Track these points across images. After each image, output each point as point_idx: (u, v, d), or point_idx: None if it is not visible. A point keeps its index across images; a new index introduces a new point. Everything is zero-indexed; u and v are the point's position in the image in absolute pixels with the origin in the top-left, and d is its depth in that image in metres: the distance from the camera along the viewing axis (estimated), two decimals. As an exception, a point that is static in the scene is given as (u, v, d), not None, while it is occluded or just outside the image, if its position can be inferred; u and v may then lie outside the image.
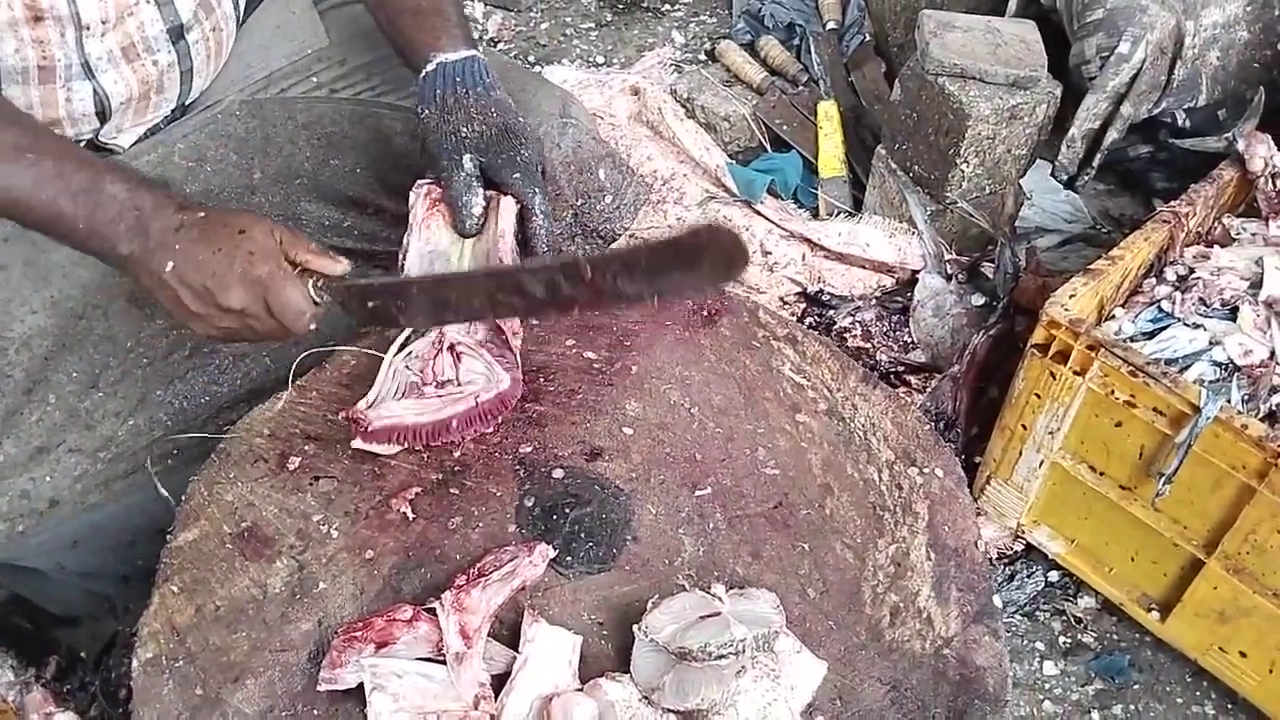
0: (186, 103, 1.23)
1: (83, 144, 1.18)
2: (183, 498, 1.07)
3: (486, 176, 1.09)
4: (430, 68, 1.11)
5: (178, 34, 1.14)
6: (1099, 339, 1.41)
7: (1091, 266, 1.52)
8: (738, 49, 2.45)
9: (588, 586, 0.99)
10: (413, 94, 1.22)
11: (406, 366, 1.10)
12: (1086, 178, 1.85)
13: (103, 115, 1.15)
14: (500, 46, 2.69)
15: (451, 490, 1.07)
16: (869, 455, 1.14)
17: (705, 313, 1.29)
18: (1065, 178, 1.85)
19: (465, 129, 1.08)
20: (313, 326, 1.01)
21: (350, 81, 1.28)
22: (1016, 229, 2.00)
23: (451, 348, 1.09)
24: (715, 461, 1.11)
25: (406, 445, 1.09)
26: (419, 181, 1.12)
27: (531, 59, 2.65)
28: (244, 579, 1.00)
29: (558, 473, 1.09)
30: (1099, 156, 1.81)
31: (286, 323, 0.98)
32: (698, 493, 1.08)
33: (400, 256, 1.11)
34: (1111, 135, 1.79)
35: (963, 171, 1.89)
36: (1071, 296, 1.46)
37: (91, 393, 1.17)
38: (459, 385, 1.09)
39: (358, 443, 1.06)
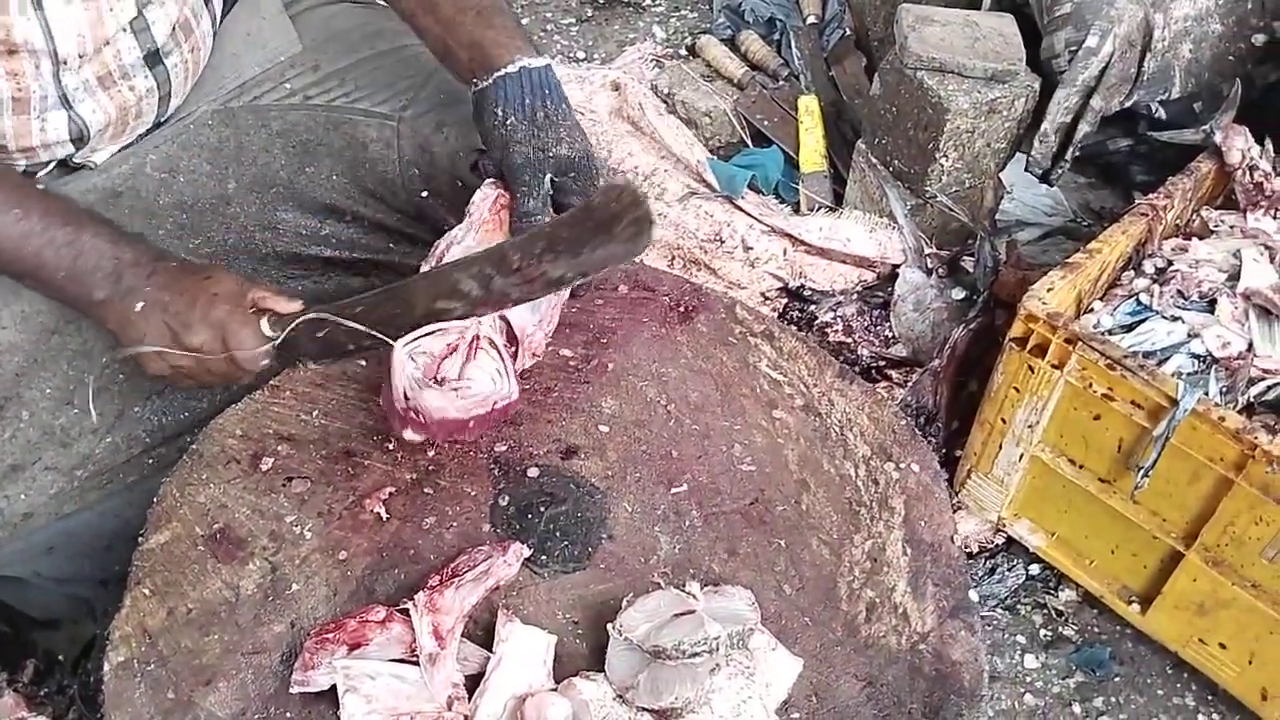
0: (162, 121, 1.22)
1: (53, 165, 1.17)
2: (154, 499, 1.06)
3: (555, 199, 1.09)
4: (513, 69, 1.07)
5: (154, 59, 1.13)
6: (1077, 332, 1.41)
7: (1069, 260, 1.52)
8: (718, 44, 2.45)
9: (562, 585, 0.99)
10: (387, 92, 1.21)
11: (412, 358, 1.07)
12: (1060, 172, 1.85)
13: (80, 141, 1.14)
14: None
15: (425, 490, 1.07)
16: (845, 451, 1.14)
17: (682, 309, 1.28)
18: (1039, 172, 1.85)
19: (554, 150, 1.07)
20: (264, 363, 1.05)
21: (324, 88, 1.26)
22: (996, 223, 2.00)
23: (474, 341, 1.04)
24: (691, 459, 1.11)
25: (430, 439, 1.06)
26: (488, 181, 1.10)
27: (538, 34, 2.63)
28: (216, 581, 0.99)
29: (533, 471, 1.08)
30: (1071, 150, 1.82)
31: (240, 361, 1.03)
32: (674, 490, 1.07)
33: (443, 244, 1.07)
34: (1083, 129, 1.79)
35: (942, 166, 1.89)
36: (1049, 290, 1.47)
37: (66, 409, 1.15)
38: (468, 384, 1.05)
39: (409, 433, 1.03)
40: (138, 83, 1.13)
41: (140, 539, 1.03)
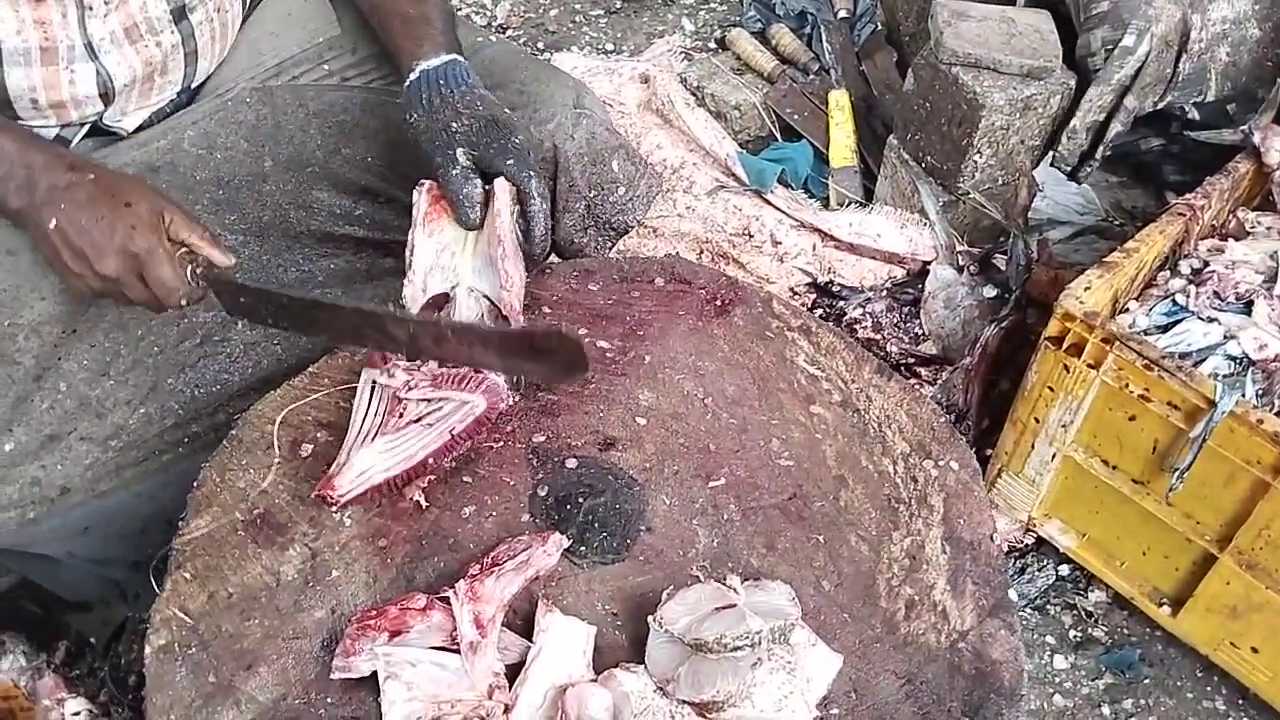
0: (193, 85, 1.22)
1: (86, 126, 1.17)
2: (195, 484, 1.07)
3: (481, 168, 1.11)
4: (414, 76, 1.14)
5: (180, 14, 1.13)
6: (1114, 332, 1.40)
7: (1106, 259, 1.51)
8: (748, 37, 2.44)
9: (602, 577, 0.99)
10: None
11: (377, 395, 1.09)
12: (1089, 170, 1.83)
13: (106, 97, 1.14)
14: (509, 33, 2.67)
15: (464, 479, 1.07)
16: (884, 447, 1.13)
17: (719, 303, 1.28)
18: (1067, 169, 1.84)
19: (455, 124, 1.11)
20: (184, 303, 1.05)
21: (362, 70, 1.26)
22: (1029, 221, 1.99)
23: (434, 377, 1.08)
24: (729, 452, 1.11)
25: (383, 499, 1.06)
26: (421, 181, 1.14)
27: (540, 46, 2.63)
28: (256, 566, 1.00)
29: (571, 462, 1.08)
30: (1101, 150, 1.80)
31: (159, 296, 1.03)
32: (712, 484, 1.07)
33: (407, 253, 1.12)
34: (1115, 128, 1.77)
35: (975, 162, 1.88)
36: (1086, 289, 1.46)
37: (102, 380, 1.16)
38: (437, 405, 1.07)
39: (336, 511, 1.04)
40: (164, 37, 1.13)
41: (180, 523, 1.04)
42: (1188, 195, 1.63)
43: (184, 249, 1.05)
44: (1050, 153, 1.95)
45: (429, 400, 1.06)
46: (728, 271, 2.08)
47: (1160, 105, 1.83)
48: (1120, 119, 1.78)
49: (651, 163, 2.27)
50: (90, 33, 1.08)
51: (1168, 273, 1.62)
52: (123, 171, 1.09)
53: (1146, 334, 1.51)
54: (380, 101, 1.24)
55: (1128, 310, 1.57)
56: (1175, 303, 1.57)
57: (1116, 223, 2.11)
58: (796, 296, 2.03)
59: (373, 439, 1.04)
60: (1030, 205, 1.90)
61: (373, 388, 1.07)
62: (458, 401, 1.06)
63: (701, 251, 2.12)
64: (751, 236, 2.13)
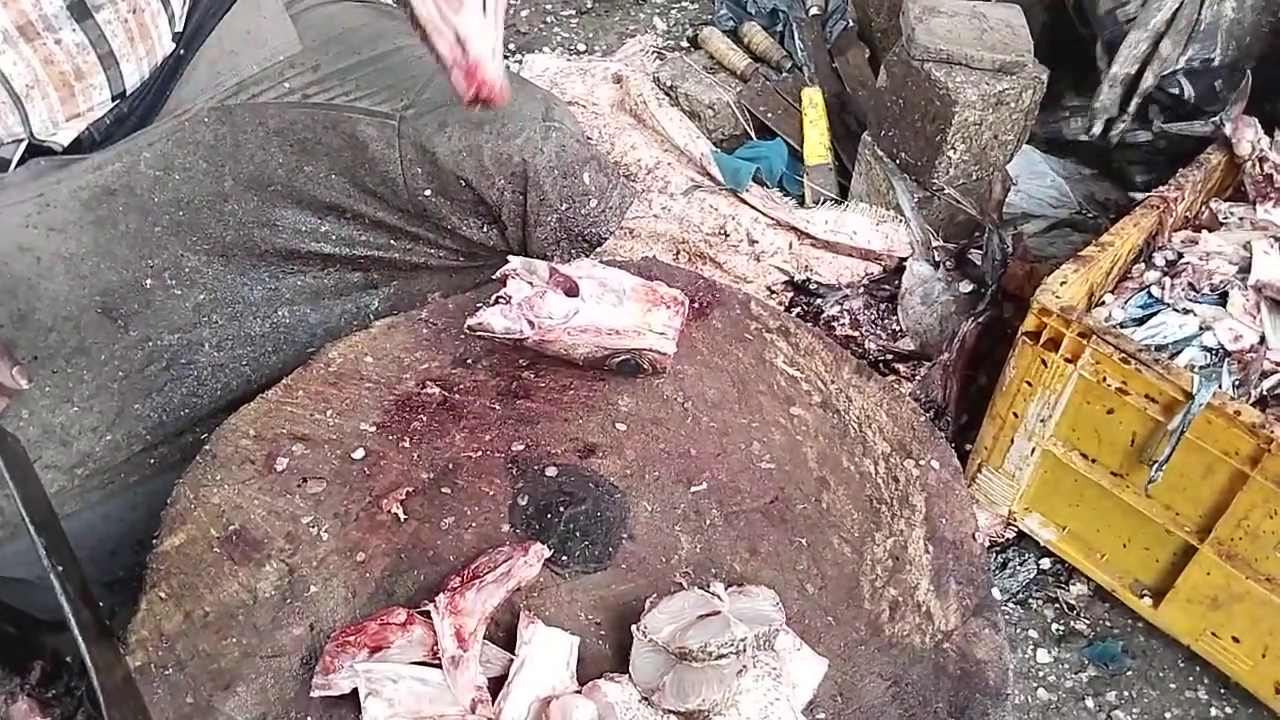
0: (126, 91, 1.17)
1: (23, 144, 1.13)
2: (168, 501, 1.05)
3: None
4: None
5: (82, 11, 1.08)
6: (1090, 326, 1.41)
7: (1081, 253, 1.52)
8: (721, 36, 2.43)
9: (584, 586, 0.98)
10: (387, 92, 1.20)
11: None
12: (1121, 126, 1.81)
13: (17, 103, 1.09)
14: (480, 35, 2.65)
15: (443, 490, 1.06)
16: (864, 448, 1.13)
17: (696, 305, 1.27)
18: (1101, 123, 1.81)
19: None
20: None
21: (324, 87, 1.24)
22: (1003, 215, 1.99)
23: None
24: (710, 457, 1.10)
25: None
26: None
27: (512, 47, 2.61)
28: (233, 583, 0.98)
29: (551, 471, 1.07)
30: (1134, 102, 1.77)
31: None
32: (693, 489, 1.07)
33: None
34: (1148, 79, 1.75)
35: (949, 158, 1.88)
36: (1062, 284, 1.46)
37: (66, 407, 1.14)
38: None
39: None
40: (64, 36, 1.08)
41: (154, 541, 1.02)
42: (1160, 188, 1.64)
43: None
44: (1023, 146, 1.96)
45: None
46: (704, 271, 2.08)
47: (1182, 60, 1.80)
48: (1154, 69, 1.75)
49: (625, 164, 2.27)
50: None
51: (1142, 265, 1.62)
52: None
53: (1123, 327, 1.52)
54: (342, 118, 1.21)
55: (1104, 303, 1.57)
56: (1150, 295, 1.57)
57: (1090, 215, 2.12)
58: (774, 295, 2.03)
59: None
60: (1004, 200, 1.90)
61: None
62: None
63: (678, 252, 2.11)
64: (728, 236, 2.13)
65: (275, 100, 1.21)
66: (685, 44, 2.58)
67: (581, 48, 2.63)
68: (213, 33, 1.21)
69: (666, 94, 2.39)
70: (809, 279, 2.02)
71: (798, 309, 1.98)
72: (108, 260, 1.15)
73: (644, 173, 2.27)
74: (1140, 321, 1.54)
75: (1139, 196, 1.73)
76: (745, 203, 2.15)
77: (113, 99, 1.14)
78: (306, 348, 1.26)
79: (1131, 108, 1.78)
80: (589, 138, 1.39)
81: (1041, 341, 1.46)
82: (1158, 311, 1.55)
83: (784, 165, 2.22)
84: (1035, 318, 1.46)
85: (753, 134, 2.32)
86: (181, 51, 1.18)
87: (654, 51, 2.58)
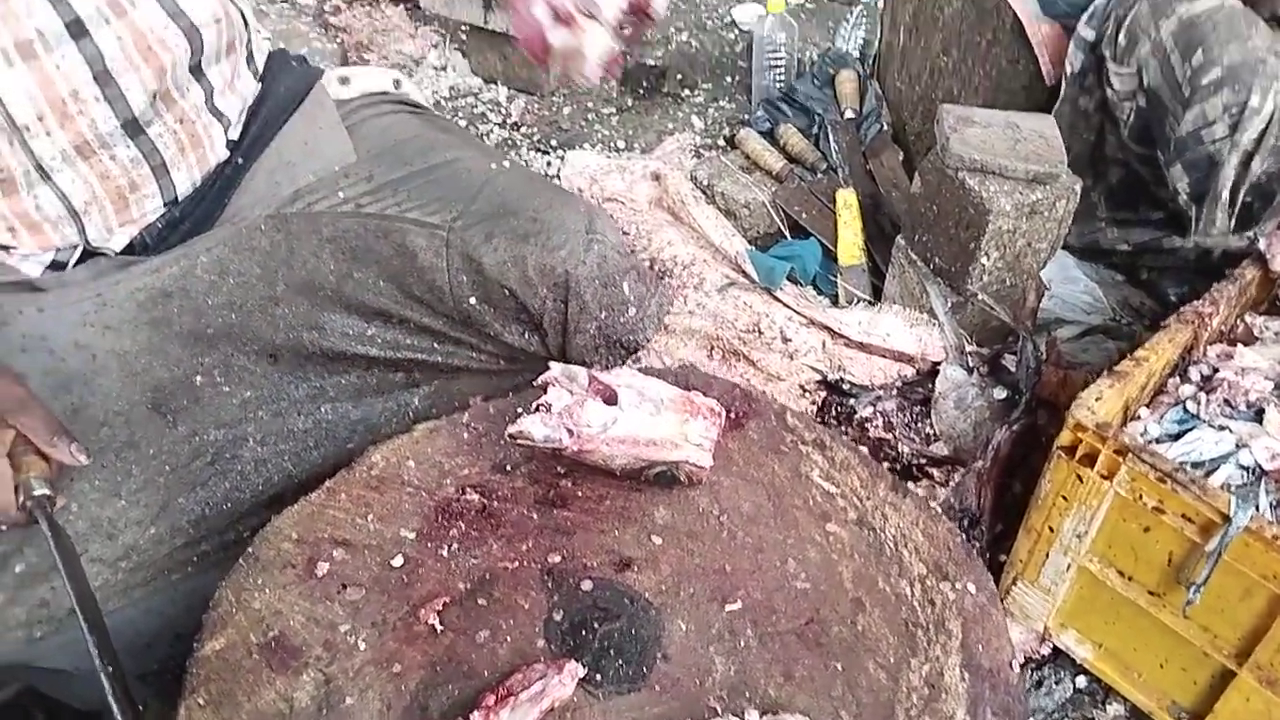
0: (178, 197, 1.22)
1: (78, 249, 1.18)
2: (210, 604, 1.07)
3: None
4: None
5: (134, 128, 1.13)
6: (1126, 444, 1.40)
7: (1116, 368, 1.52)
8: (757, 137, 2.49)
9: (618, 708, 0.98)
10: (438, 204, 1.23)
11: None
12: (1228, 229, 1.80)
13: (76, 216, 1.15)
14: (523, 130, 2.73)
15: (480, 601, 1.07)
16: (900, 568, 1.13)
17: (732, 415, 1.29)
18: (1223, 234, 1.79)
19: None
20: (3, 528, 1.04)
21: (377, 197, 1.28)
22: (1037, 321, 2.00)
23: None
24: (745, 574, 1.10)
25: None
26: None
27: (554, 143, 2.68)
28: (270, 692, 0.99)
29: (586, 584, 1.08)
30: (1234, 216, 1.77)
31: None
32: (728, 608, 1.07)
33: None
34: (1242, 194, 1.75)
35: (983, 264, 1.90)
36: (1097, 399, 1.46)
37: (114, 501, 1.16)
38: None
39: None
40: (119, 152, 1.13)
41: (195, 644, 1.03)
42: (1195, 302, 1.65)
43: (32, 453, 1.04)
44: (1057, 251, 1.97)
45: None
46: (738, 369, 2.10)
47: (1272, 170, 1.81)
48: (1247, 185, 1.75)
49: (662, 260, 2.31)
50: (38, 155, 1.08)
51: (1177, 379, 1.63)
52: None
53: (1158, 442, 1.51)
54: (394, 228, 1.25)
55: (1139, 418, 1.57)
56: (1186, 410, 1.57)
57: (1124, 321, 2.13)
58: (807, 394, 2.04)
59: None
60: (1038, 308, 1.91)
61: None
62: None
63: (712, 348, 2.14)
64: (761, 333, 2.15)
65: (329, 209, 1.26)
66: (722, 143, 2.64)
67: (621, 145, 2.70)
68: (271, 143, 1.26)
69: (703, 192, 2.44)
70: (842, 379, 2.03)
71: (831, 409, 1.98)
72: (160, 358, 1.18)
73: (680, 269, 2.31)
74: (1176, 437, 1.54)
75: (1173, 311, 1.75)
76: (779, 301, 2.17)
77: (165, 205, 1.19)
78: (347, 443, 1.28)
79: (1233, 220, 1.77)
80: (630, 249, 1.43)
81: (1077, 457, 1.46)
82: (1193, 427, 1.54)
83: (818, 265, 2.26)
84: (1071, 433, 1.46)
85: (787, 233, 2.36)
86: (240, 161, 1.23)
87: (691, 150, 2.64)
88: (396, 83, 1.41)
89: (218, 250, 1.22)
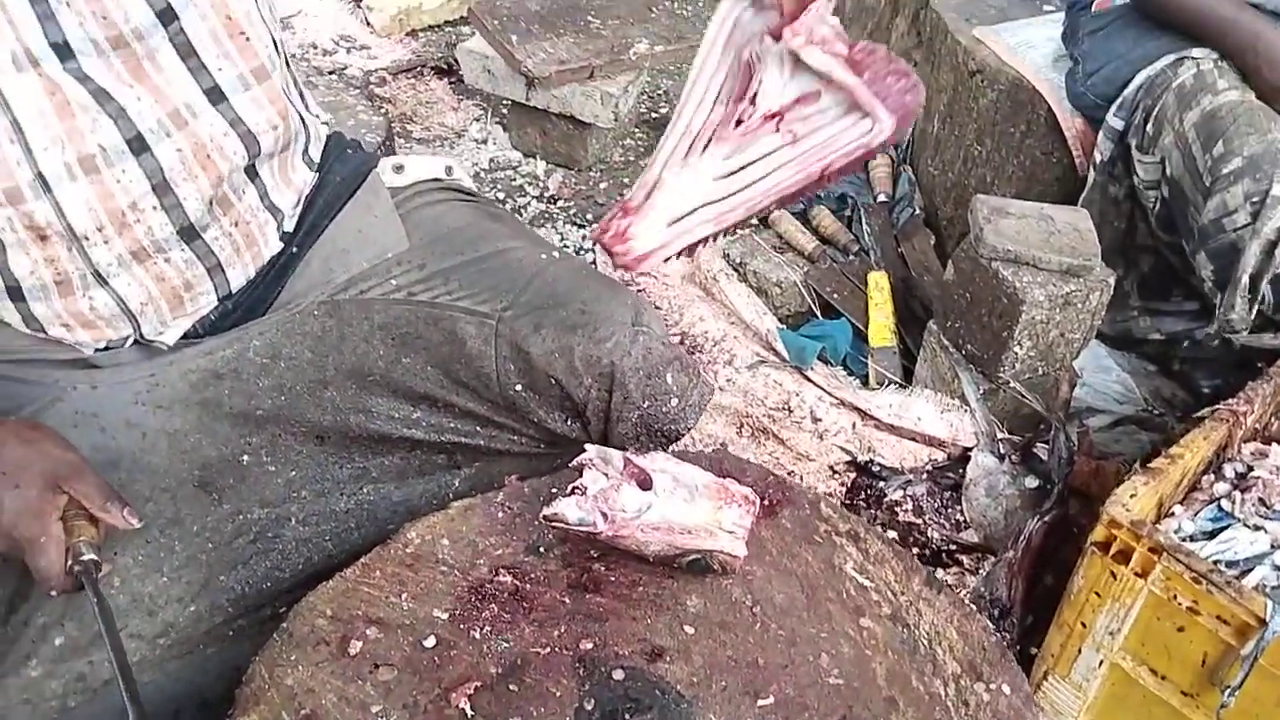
0: (231, 292, 1.24)
1: (129, 341, 1.20)
2: (244, 679, 1.07)
3: None
4: None
5: (190, 234, 1.15)
6: (1161, 543, 1.39)
7: (1151, 465, 1.52)
8: (790, 217, 2.52)
9: (649, 802, 0.97)
10: (488, 293, 1.25)
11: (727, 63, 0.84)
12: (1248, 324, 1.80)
13: (131, 316, 1.17)
14: (560, 203, 2.78)
15: (510, 687, 1.07)
16: (934, 667, 1.12)
17: (766, 503, 1.29)
18: (1242, 331, 1.79)
19: None
20: (54, 594, 1.05)
21: (428, 285, 1.30)
22: (1069, 410, 2.00)
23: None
24: (778, 668, 1.10)
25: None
26: None
27: (589, 217, 2.73)
28: (301, 773, 0.99)
29: (618, 673, 1.08)
30: (1256, 306, 1.78)
31: (38, 580, 1.03)
32: (760, 703, 1.06)
33: None
34: (1264, 291, 1.76)
35: (1016, 353, 1.91)
36: (1132, 495, 1.46)
37: (156, 577, 1.17)
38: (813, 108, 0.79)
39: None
40: (174, 255, 1.15)
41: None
42: (1230, 401, 1.64)
43: (83, 517, 1.05)
44: (1089, 342, 1.98)
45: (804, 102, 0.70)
46: (768, 448, 2.11)
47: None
48: (1268, 279, 1.76)
49: (693, 335, 2.33)
50: (95, 260, 1.11)
51: (1212, 476, 1.62)
52: (26, 431, 1.08)
53: (1193, 540, 1.50)
54: (444, 316, 1.27)
55: (1173, 514, 1.56)
56: (1221, 508, 1.56)
57: (1156, 412, 2.12)
58: (836, 475, 2.04)
59: (702, 150, 0.72)
60: (1071, 398, 1.92)
61: (727, 37, 0.72)
62: (854, 112, 0.68)
63: (741, 425, 2.15)
64: (791, 412, 2.16)
65: (382, 296, 1.28)
66: (755, 222, 2.67)
67: (655, 219, 2.73)
68: (325, 231, 1.29)
69: (735, 270, 2.47)
70: (872, 461, 2.03)
71: (861, 491, 1.98)
72: (209, 437, 1.20)
73: (711, 344, 2.33)
74: (1210, 535, 1.53)
75: (1207, 408, 1.74)
76: (809, 380, 2.19)
77: (219, 301, 1.22)
78: (387, 524, 1.29)
79: (1253, 312, 1.77)
80: (673, 339, 1.44)
81: (1111, 553, 1.45)
82: (1228, 525, 1.53)
83: (848, 345, 2.27)
84: (1105, 529, 1.45)
85: (818, 313, 2.38)
86: (294, 249, 1.26)
87: (724, 226, 2.67)
88: (449, 169, 1.44)
89: (270, 334, 1.24)
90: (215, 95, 1.10)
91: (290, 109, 1.19)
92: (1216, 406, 1.65)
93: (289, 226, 1.25)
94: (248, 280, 1.23)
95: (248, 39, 1.10)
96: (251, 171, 1.18)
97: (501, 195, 2.80)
